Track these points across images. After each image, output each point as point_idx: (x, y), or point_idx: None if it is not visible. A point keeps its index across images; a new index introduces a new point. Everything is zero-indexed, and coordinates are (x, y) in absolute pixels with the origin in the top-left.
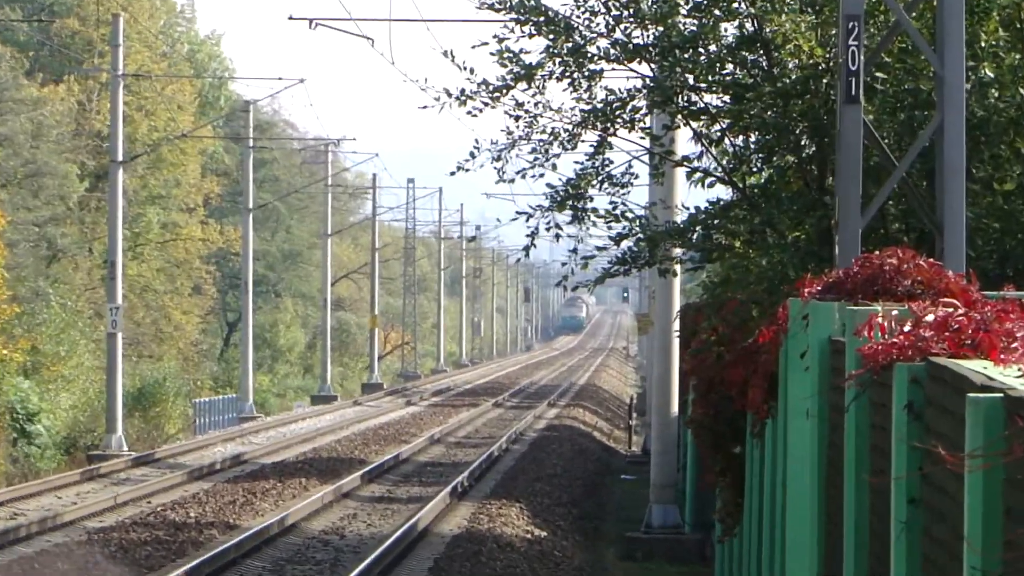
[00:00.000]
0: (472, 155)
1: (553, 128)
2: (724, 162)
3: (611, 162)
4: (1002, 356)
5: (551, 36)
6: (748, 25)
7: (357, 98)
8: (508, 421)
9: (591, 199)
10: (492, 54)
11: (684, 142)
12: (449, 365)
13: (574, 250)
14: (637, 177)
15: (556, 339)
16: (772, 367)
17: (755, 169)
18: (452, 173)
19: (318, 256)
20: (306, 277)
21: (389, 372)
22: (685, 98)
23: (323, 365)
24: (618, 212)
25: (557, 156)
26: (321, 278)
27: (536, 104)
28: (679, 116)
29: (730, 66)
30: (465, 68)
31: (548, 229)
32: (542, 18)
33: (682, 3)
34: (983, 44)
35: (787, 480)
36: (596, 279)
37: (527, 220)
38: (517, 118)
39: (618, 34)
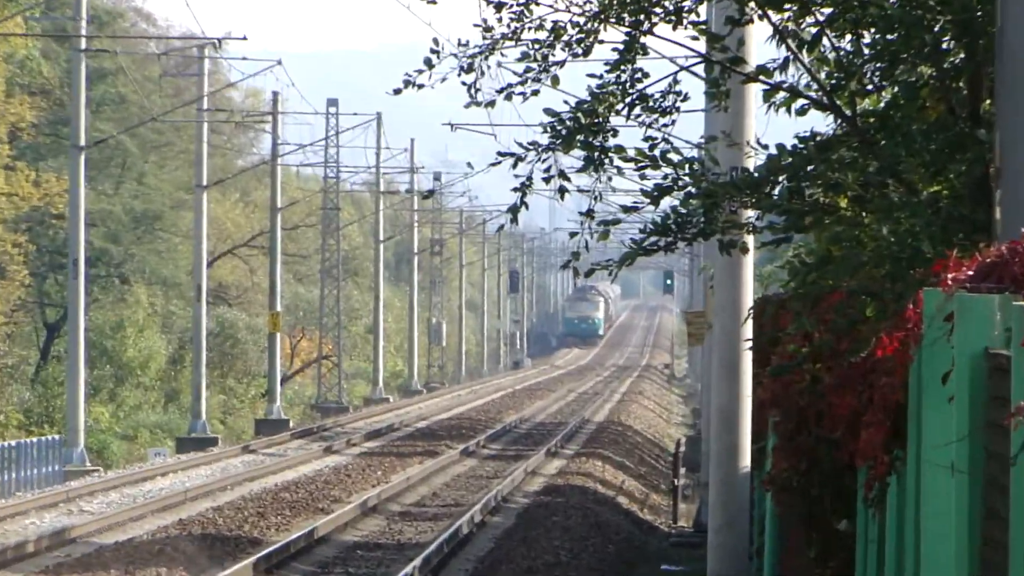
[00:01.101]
0: (429, 63)
1: (555, 22)
2: (822, 76)
3: (646, 76)
4: None
5: None
6: None
7: None
8: (485, 480)
9: (614, 132)
10: None
11: (760, 44)
12: (393, 391)
13: (588, 212)
14: (686, 99)
15: (559, 352)
16: (898, 395)
17: (870, 87)
18: (397, 91)
19: (188, 221)
20: (169, 253)
21: (299, 402)
22: None
23: (195, 391)
24: (657, 153)
25: (561, 65)
26: (193, 255)
27: None
28: (752, 4)
29: None
30: None
31: (547, 180)
32: None
33: None
34: None
35: (921, 569)
36: (622, 258)
37: (514, 165)
38: (500, 6)
39: None
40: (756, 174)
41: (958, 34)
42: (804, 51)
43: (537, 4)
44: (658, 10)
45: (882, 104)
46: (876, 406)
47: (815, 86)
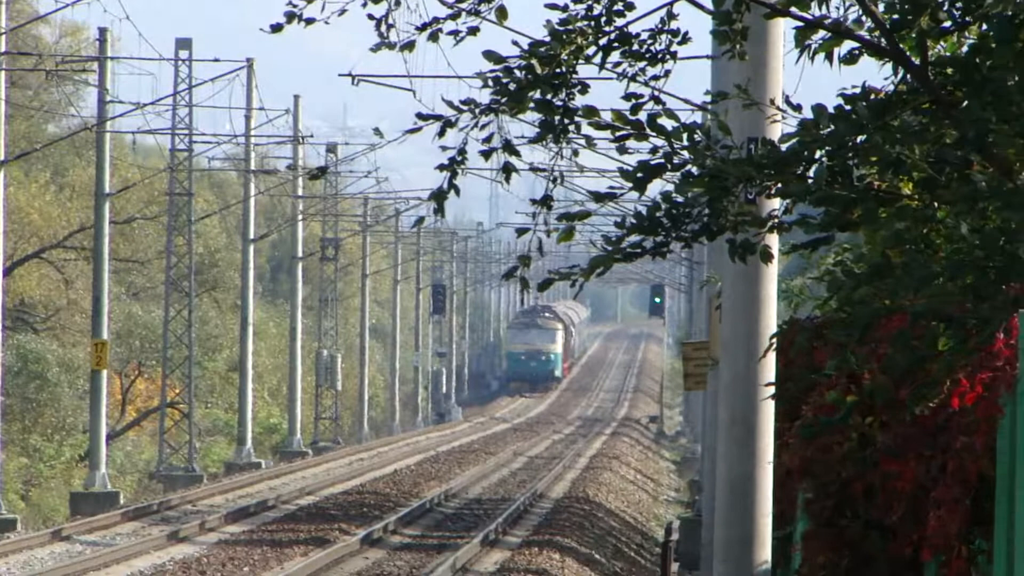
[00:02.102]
0: None
1: None
2: (879, 8)
3: (629, 8)
4: None
5: None
6: None
7: None
8: None
9: (583, 88)
10: None
11: None
12: (267, 454)
13: (544, 200)
14: (686, 42)
15: (501, 399)
16: (980, 462)
17: (947, 24)
18: (276, 28)
19: None
20: None
21: (133, 468)
22: None
23: None
24: (643, 117)
25: None
26: None
27: None
28: None
29: None
30: None
31: (487, 154)
32: None
33: None
34: None
35: None
36: (592, 264)
37: (441, 133)
38: None
39: None
40: (784, 147)
41: None
42: None
43: None
44: None
45: (964, 49)
46: (950, 478)
47: (869, 22)
